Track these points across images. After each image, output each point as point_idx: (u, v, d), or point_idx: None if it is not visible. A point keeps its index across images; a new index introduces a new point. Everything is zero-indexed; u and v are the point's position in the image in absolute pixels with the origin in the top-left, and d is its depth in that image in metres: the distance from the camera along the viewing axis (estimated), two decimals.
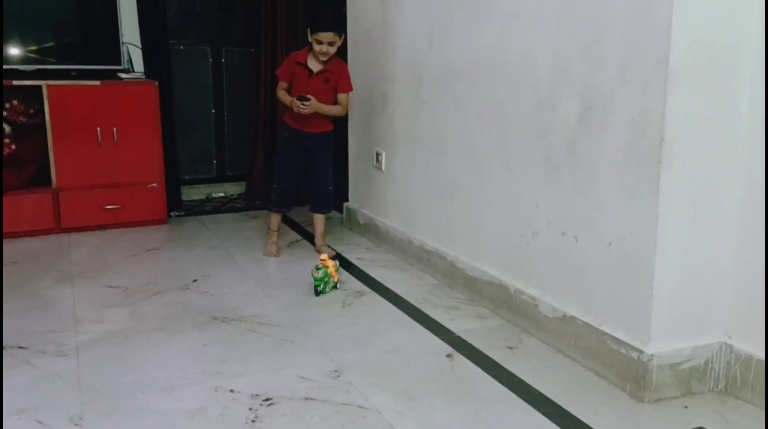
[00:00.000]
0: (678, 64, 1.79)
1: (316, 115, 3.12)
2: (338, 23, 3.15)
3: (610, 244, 2.04)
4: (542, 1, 2.24)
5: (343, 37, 3.12)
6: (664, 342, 1.92)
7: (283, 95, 3.17)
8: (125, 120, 3.69)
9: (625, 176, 1.96)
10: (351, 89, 3.20)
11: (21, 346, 2.27)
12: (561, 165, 2.22)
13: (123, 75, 3.84)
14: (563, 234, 2.24)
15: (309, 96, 3.02)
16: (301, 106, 3.02)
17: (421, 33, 3.01)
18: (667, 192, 1.85)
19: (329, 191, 3.32)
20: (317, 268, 2.72)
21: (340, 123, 3.47)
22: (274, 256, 3.29)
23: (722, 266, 1.95)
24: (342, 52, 3.44)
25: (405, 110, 3.21)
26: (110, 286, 2.87)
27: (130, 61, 3.99)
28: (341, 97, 3.17)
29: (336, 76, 3.13)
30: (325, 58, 3.06)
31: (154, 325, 2.46)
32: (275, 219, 3.36)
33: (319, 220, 3.39)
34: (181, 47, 4.35)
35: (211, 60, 4.45)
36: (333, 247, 3.43)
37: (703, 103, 1.84)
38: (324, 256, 2.81)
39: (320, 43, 3.01)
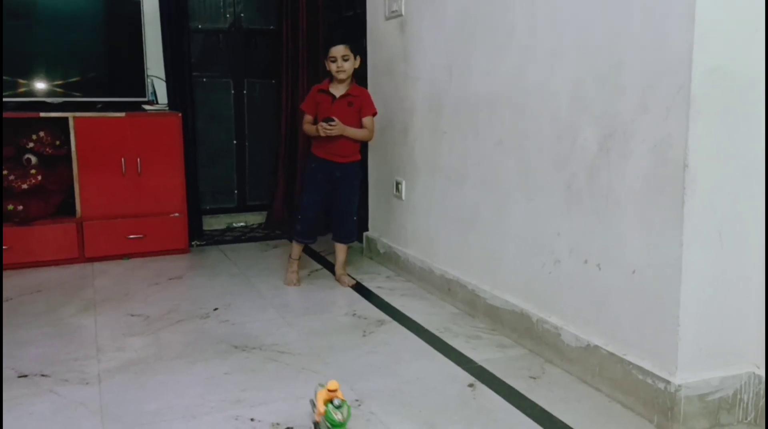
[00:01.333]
0: (700, 91, 1.79)
1: (344, 143, 3.14)
2: (350, 39, 3.16)
3: (633, 272, 2.02)
4: (560, 31, 2.26)
5: (359, 59, 3.15)
6: (691, 372, 1.89)
7: (308, 127, 3.20)
8: (149, 151, 3.75)
9: (648, 204, 1.95)
10: (375, 111, 3.21)
11: (44, 374, 2.29)
12: (582, 193, 2.21)
13: (147, 107, 3.92)
14: (585, 262, 2.22)
15: (334, 117, 3.06)
16: (328, 128, 3.04)
17: (441, 64, 3.04)
18: (691, 220, 1.84)
19: (353, 221, 3.31)
20: (336, 407, 1.81)
21: (362, 152, 3.50)
22: (295, 284, 3.29)
23: (749, 295, 1.92)
24: (362, 83, 3.49)
25: (425, 140, 3.23)
26: (132, 315, 2.89)
27: (154, 93, 4.07)
28: (366, 120, 3.19)
29: (359, 100, 3.15)
30: (343, 77, 3.08)
31: (175, 353, 2.47)
32: (297, 248, 3.36)
33: (341, 249, 3.38)
34: (204, 79, 4.44)
35: (233, 92, 4.53)
36: (353, 276, 3.43)
37: (726, 130, 1.83)
38: (333, 386, 1.85)
39: (334, 60, 3.06)
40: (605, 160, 2.11)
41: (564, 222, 2.31)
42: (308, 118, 3.21)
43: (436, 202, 3.17)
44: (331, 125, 3.05)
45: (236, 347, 2.53)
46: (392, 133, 3.54)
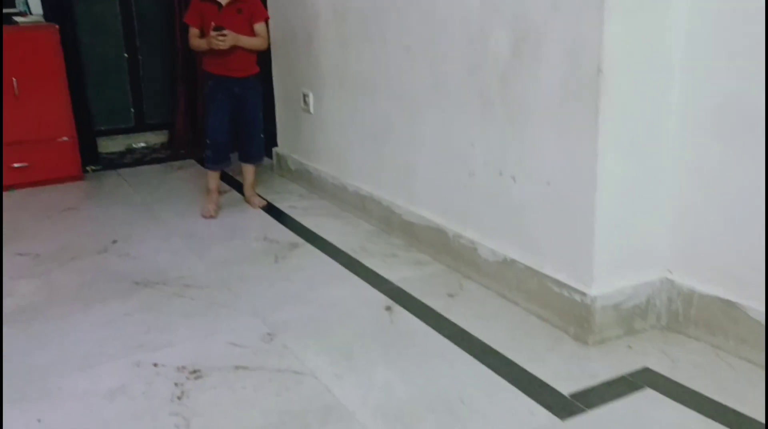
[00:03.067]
0: None
1: (240, 55, 2.87)
2: None
3: (548, 183, 1.95)
4: None
5: None
6: (606, 282, 1.87)
7: (196, 41, 2.89)
8: (26, 69, 3.35)
9: (562, 112, 1.85)
10: (267, 16, 2.95)
11: None
12: (495, 101, 2.10)
13: (19, 18, 3.48)
14: (500, 174, 2.14)
15: (223, 27, 2.76)
16: (219, 40, 2.75)
17: None
18: (605, 127, 1.76)
19: (261, 139, 3.11)
20: None
21: (264, 64, 3.24)
22: (212, 215, 3.00)
23: (661, 201, 1.89)
24: None
25: (330, 48, 3.01)
26: (20, 254, 2.64)
27: (26, 3, 3.61)
28: (259, 27, 2.90)
29: (248, 5, 2.86)
30: None
31: (69, 295, 2.28)
32: (214, 178, 3.07)
33: (248, 169, 3.16)
34: None
35: (119, 1, 4.08)
36: (264, 196, 3.26)
37: (641, 31, 1.73)
38: None
39: None
40: (518, 66, 1.98)
41: (478, 132, 2.20)
42: (194, 31, 2.88)
43: (346, 115, 3.00)
44: (222, 36, 2.75)
45: (138, 283, 2.35)
46: (295, 42, 3.29)
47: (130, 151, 4.27)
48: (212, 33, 2.75)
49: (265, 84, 3.30)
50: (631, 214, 1.87)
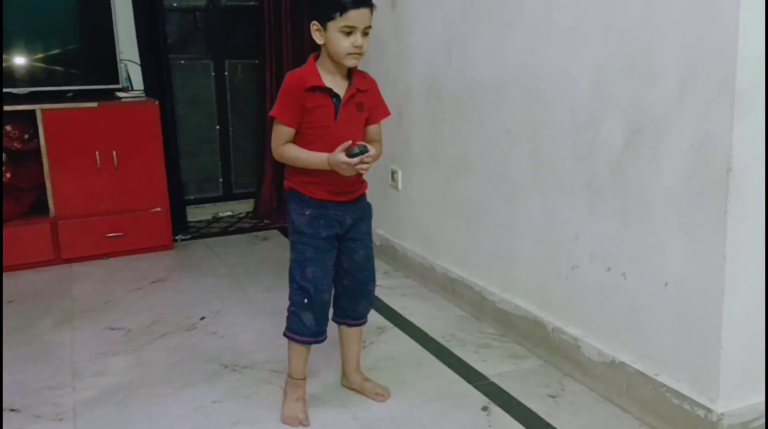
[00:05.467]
0: (746, 82, 1.56)
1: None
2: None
3: (666, 284, 1.81)
4: (581, 8, 2.01)
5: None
6: (734, 398, 1.69)
7: (301, 154, 1.84)
8: (125, 142, 3.48)
9: (684, 209, 1.73)
10: (389, 113, 2.01)
11: (14, 408, 2.07)
12: (605, 192, 1.99)
13: (122, 94, 3.64)
14: (609, 269, 2.01)
15: (366, 144, 1.79)
16: (366, 164, 1.78)
17: (439, 43, 2.78)
18: (735, 229, 1.62)
19: (373, 288, 2.06)
20: None
21: None
22: (301, 423, 1.94)
23: None
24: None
25: (422, 126, 2.99)
26: (112, 328, 2.66)
27: (128, 78, 3.78)
28: (376, 128, 1.96)
29: (371, 98, 1.93)
30: (357, 62, 1.82)
31: (160, 376, 2.25)
32: (303, 356, 1.98)
33: (354, 336, 2.10)
34: (182, 62, 4.14)
35: (214, 74, 4.24)
36: None
37: None
38: None
39: (351, 31, 1.76)
40: (633, 157, 1.88)
41: (584, 223, 2.09)
42: (287, 133, 1.83)
43: (436, 194, 2.94)
44: (368, 158, 1.77)
45: (226, 367, 2.31)
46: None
47: (217, 219, 4.34)
48: (350, 156, 1.75)
49: None
50: (763, 323, 1.70)
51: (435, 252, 2.98)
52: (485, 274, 2.63)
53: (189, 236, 3.94)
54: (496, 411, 1.98)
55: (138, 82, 3.82)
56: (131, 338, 2.57)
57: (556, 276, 2.23)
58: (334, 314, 2.05)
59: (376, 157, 1.81)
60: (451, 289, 2.83)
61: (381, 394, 2.07)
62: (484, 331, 2.55)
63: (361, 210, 1.97)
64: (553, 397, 2.06)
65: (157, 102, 3.55)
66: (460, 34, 2.63)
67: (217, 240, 3.90)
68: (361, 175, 1.87)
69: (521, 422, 1.92)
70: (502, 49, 2.40)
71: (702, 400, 1.71)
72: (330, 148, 1.78)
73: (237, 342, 2.51)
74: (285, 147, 1.85)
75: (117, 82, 3.62)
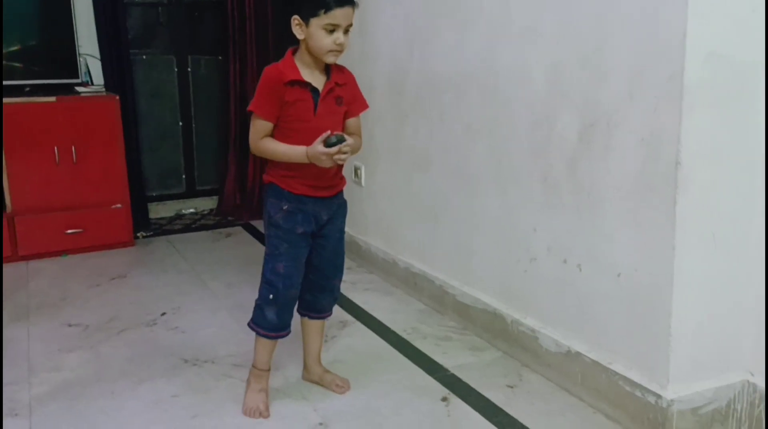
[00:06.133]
0: (694, 79, 1.61)
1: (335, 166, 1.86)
2: None
3: (619, 275, 1.86)
4: (537, 7, 2.05)
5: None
6: (683, 384, 1.74)
7: (279, 147, 1.82)
8: (85, 137, 3.42)
9: (635, 202, 1.77)
10: (367, 106, 2.02)
11: None
12: (561, 186, 2.03)
13: (81, 89, 3.58)
14: (565, 261, 2.05)
15: (344, 134, 1.79)
16: (344, 155, 1.77)
17: (401, 41, 2.81)
18: (684, 220, 1.67)
19: (339, 283, 2.09)
20: None
21: None
22: (262, 414, 1.94)
23: (745, 299, 1.77)
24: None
25: (385, 122, 3.01)
26: (70, 325, 2.62)
27: (88, 73, 3.73)
28: (355, 122, 1.96)
29: (349, 91, 1.91)
30: (337, 58, 1.82)
31: (118, 371, 2.23)
32: (267, 347, 1.98)
33: (316, 329, 2.10)
34: (144, 57, 4.09)
35: (176, 69, 4.19)
36: None
37: (723, 123, 1.66)
38: None
39: (334, 29, 1.74)
40: (586, 152, 1.92)
41: (541, 217, 2.13)
42: (265, 127, 1.82)
43: (398, 189, 2.96)
44: (345, 148, 1.77)
45: (186, 361, 2.30)
46: None
47: (180, 216, 4.30)
48: (328, 146, 1.75)
49: None
50: (712, 312, 1.75)
51: (397, 247, 3.01)
52: (446, 268, 2.66)
53: (150, 233, 3.89)
54: (455, 401, 2.01)
55: (98, 76, 3.76)
56: (89, 334, 2.53)
57: (514, 269, 2.27)
58: (298, 306, 2.04)
59: (354, 148, 1.81)
60: (412, 283, 2.86)
61: (341, 386, 2.08)
62: (445, 324, 2.58)
63: (338, 206, 1.96)
64: (511, 387, 2.10)
65: (118, 97, 3.50)
66: (422, 31, 2.66)
67: (180, 237, 3.87)
68: (340, 169, 1.89)
69: (479, 411, 1.95)
70: (461, 46, 2.43)
71: (653, 387, 1.76)
72: (309, 142, 1.77)
73: (198, 337, 2.49)
74: (263, 141, 1.83)
75: (76, 77, 3.57)
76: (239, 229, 4.01)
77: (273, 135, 1.84)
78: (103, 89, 3.68)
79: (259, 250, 3.56)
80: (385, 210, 3.09)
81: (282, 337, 1.96)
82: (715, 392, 1.77)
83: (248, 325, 1.98)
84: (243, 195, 4.23)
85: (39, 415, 1.96)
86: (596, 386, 1.93)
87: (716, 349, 1.78)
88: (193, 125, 4.32)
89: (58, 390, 2.10)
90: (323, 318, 2.09)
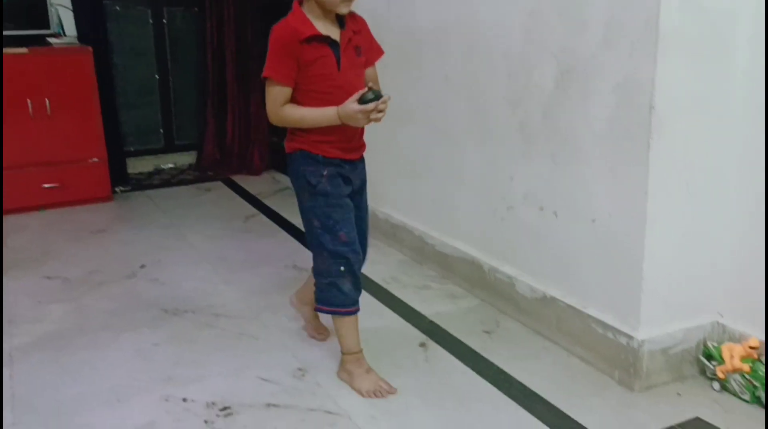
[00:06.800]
0: (669, 24, 1.61)
1: (358, 127, 1.78)
2: None
3: (593, 221, 1.88)
4: None
5: None
6: (654, 326, 1.79)
7: (307, 113, 1.69)
8: (58, 90, 3.36)
9: (610, 148, 1.79)
10: (383, 51, 1.90)
11: None
12: (537, 135, 2.04)
13: (53, 40, 3.50)
14: (541, 209, 2.08)
15: (378, 90, 1.68)
16: (381, 110, 1.66)
17: None
18: (657, 166, 1.69)
19: (367, 249, 1.94)
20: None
21: None
22: (388, 391, 1.80)
23: (715, 243, 1.81)
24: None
25: None
26: (50, 278, 2.62)
27: (60, 24, 3.64)
28: (372, 71, 1.86)
29: (363, 39, 1.80)
30: (349, 6, 1.69)
31: (99, 322, 2.24)
32: (354, 326, 1.85)
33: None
34: (118, 8, 3.99)
35: (152, 22, 4.10)
36: (290, 220, 3.21)
37: (697, 69, 1.67)
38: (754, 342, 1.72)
39: None
40: (563, 100, 1.93)
41: (518, 166, 2.15)
42: (284, 93, 1.68)
43: (378, 142, 2.94)
44: (383, 105, 1.66)
45: (167, 312, 2.31)
46: None
47: (159, 171, 4.27)
48: (364, 103, 1.63)
49: None
50: (683, 256, 1.79)
51: (378, 199, 3.00)
52: (426, 219, 2.68)
53: (129, 188, 3.86)
54: (433, 347, 2.05)
55: (70, 28, 3.68)
56: (70, 287, 2.53)
57: (492, 218, 2.29)
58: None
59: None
60: (392, 234, 2.88)
61: (321, 333, 2.10)
62: (425, 273, 2.61)
63: (364, 172, 1.86)
64: (488, 332, 2.14)
65: (91, 48, 3.43)
66: None
67: (159, 192, 3.85)
68: (363, 130, 1.79)
69: (456, 356, 1.99)
70: None
71: (625, 329, 1.81)
72: (336, 102, 1.65)
73: (179, 289, 2.50)
74: (285, 109, 1.69)
75: (47, 27, 3.49)
76: (219, 184, 3.99)
77: (294, 101, 1.70)
78: (76, 41, 3.60)
79: (240, 204, 3.57)
80: (366, 162, 3.08)
81: (359, 310, 1.82)
82: (685, 333, 1.82)
83: (320, 310, 1.83)
84: (222, 150, 4.20)
85: (21, 364, 1.97)
86: (571, 330, 1.98)
87: (687, 292, 1.82)
88: (171, 79, 4.24)
89: (40, 341, 2.11)
90: None
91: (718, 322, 1.85)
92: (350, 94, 1.64)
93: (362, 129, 1.80)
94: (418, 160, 2.67)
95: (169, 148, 4.34)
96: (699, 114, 1.69)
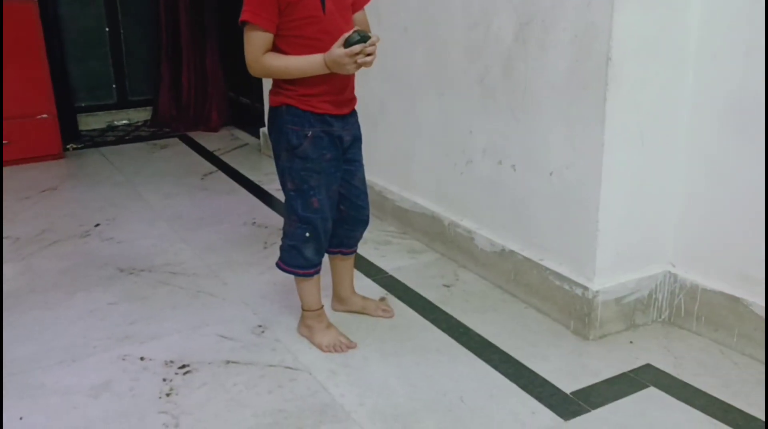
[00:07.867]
0: None
1: (352, 77, 1.70)
2: None
3: (551, 174, 1.89)
4: None
5: None
6: (608, 276, 1.82)
7: (291, 61, 1.58)
8: (2, 42, 3.22)
9: (568, 100, 1.79)
10: None
11: None
12: (496, 88, 2.03)
13: None
14: (500, 163, 2.08)
15: (364, 31, 1.57)
16: (369, 54, 1.56)
17: None
18: (613, 118, 1.70)
19: (369, 208, 1.90)
20: None
21: None
22: (347, 346, 1.80)
23: (668, 194, 1.84)
24: None
25: None
26: None
27: None
28: (361, 15, 1.75)
29: None
30: None
31: (51, 282, 2.19)
32: (315, 285, 1.83)
33: (349, 265, 1.96)
34: None
35: None
36: (250, 177, 3.17)
37: (652, 16, 1.66)
38: None
39: None
40: (522, 52, 1.91)
41: (477, 119, 2.13)
42: (265, 39, 1.56)
43: None
44: (371, 48, 1.55)
45: (122, 270, 2.27)
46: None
47: (112, 128, 4.15)
48: (350, 46, 1.51)
49: None
50: (637, 208, 1.82)
51: None
52: (385, 174, 2.66)
53: (81, 145, 3.76)
54: (392, 300, 2.06)
55: None
56: (19, 246, 2.47)
57: (451, 172, 2.29)
58: (329, 244, 1.83)
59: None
60: None
61: (387, 310, 1.96)
62: (385, 229, 2.61)
63: (357, 126, 1.76)
64: (448, 286, 2.15)
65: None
66: None
67: (113, 149, 3.75)
68: (353, 82, 1.70)
69: (415, 309, 2.00)
70: None
71: (580, 280, 1.84)
72: (322, 49, 1.54)
73: (134, 247, 2.46)
74: (266, 57, 1.56)
75: None
76: (176, 140, 3.91)
77: (275, 49, 1.58)
78: None
79: (197, 160, 3.51)
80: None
81: (319, 271, 1.79)
82: (637, 283, 1.86)
83: (280, 267, 1.79)
84: (179, 105, 4.10)
85: None
86: (528, 282, 2.01)
87: (640, 243, 1.85)
88: (122, 32, 4.10)
89: None
90: (354, 252, 1.93)
91: (669, 272, 1.89)
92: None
93: (353, 80, 1.70)
94: (377, 114, 2.64)
95: (123, 104, 4.23)
96: (653, 64, 1.70)
